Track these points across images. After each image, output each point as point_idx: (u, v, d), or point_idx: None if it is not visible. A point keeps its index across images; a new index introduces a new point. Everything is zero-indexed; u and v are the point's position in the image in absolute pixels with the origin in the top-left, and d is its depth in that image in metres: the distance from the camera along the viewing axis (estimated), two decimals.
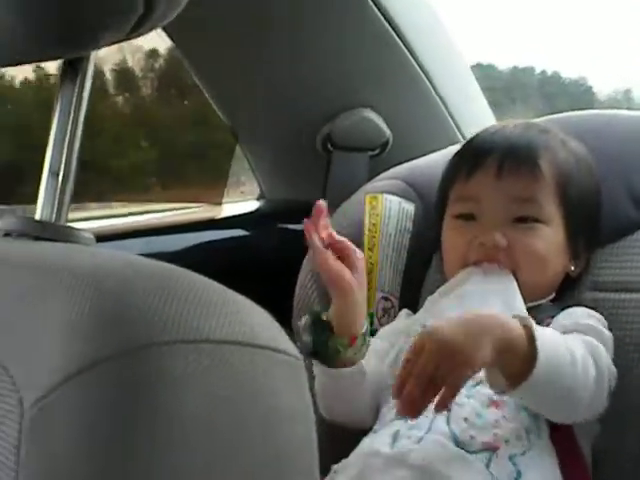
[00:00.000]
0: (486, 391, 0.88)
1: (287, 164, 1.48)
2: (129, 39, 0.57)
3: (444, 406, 0.79)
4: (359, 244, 1.08)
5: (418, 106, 1.38)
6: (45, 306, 0.44)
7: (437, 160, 1.17)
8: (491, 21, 2.08)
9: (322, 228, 0.96)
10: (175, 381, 0.40)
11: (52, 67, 1.32)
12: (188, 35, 1.28)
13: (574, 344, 0.87)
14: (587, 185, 1.03)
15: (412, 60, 1.31)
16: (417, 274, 1.12)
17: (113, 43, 0.58)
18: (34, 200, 0.64)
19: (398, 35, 1.28)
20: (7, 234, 0.61)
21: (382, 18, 1.25)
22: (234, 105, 1.40)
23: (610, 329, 0.95)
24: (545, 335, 0.84)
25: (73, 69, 0.63)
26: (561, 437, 0.89)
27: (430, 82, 1.35)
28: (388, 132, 1.37)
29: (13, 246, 0.59)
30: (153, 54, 1.62)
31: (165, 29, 1.23)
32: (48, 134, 0.64)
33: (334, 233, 0.97)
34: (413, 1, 1.35)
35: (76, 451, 0.39)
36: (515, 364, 0.82)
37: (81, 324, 0.42)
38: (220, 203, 1.59)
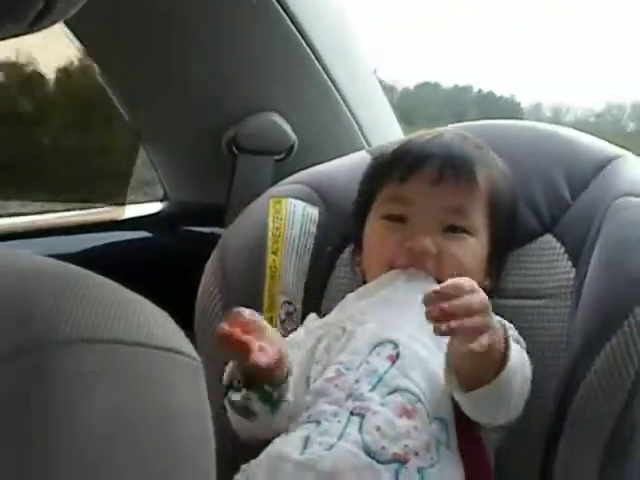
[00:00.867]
0: (399, 399, 0.89)
1: (192, 166, 1.46)
2: (29, 33, 0.56)
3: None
4: (263, 247, 1.08)
5: (324, 112, 1.39)
6: None
7: (342, 165, 1.18)
8: (438, 44, 2.40)
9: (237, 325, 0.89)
10: (72, 379, 0.40)
11: None
12: (92, 32, 1.25)
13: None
14: (512, 203, 1.06)
15: (319, 67, 1.32)
16: (320, 278, 1.12)
17: (12, 37, 0.56)
18: None
19: (306, 41, 1.28)
20: None
21: (290, 23, 1.25)
22: (136, 103, 1.38)
23: None
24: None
25: None
26: (469, 446, 0.91)
27: (337, 89, 1.36)
28: (294, 137, 1.37)
29: None
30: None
31: (67, 23, 1.20)
32: None
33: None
34: (323, 7, 1.37)
35: None
36: (485, 364, 0.84)
37: None
38: (123, 204, 1.56)
